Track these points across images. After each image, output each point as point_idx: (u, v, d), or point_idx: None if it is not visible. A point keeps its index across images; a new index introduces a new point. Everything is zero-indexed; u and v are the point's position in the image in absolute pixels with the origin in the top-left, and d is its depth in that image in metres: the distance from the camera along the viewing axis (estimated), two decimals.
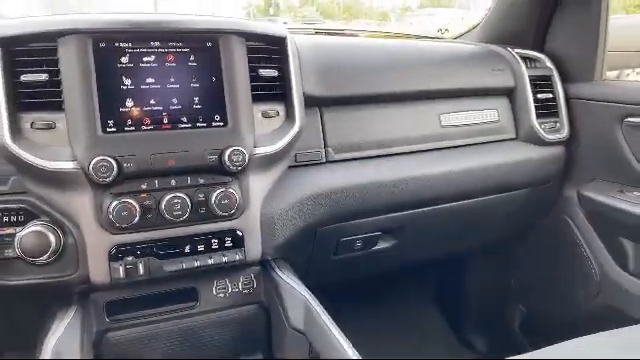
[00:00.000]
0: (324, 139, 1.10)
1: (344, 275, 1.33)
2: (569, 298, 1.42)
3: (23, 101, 0.83)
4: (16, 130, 0.82)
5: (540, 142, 1.31)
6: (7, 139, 0.81)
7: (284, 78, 0.99)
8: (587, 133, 1.33)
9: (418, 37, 1.56)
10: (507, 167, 1.28)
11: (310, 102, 1.05)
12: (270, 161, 0.98)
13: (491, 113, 1.30)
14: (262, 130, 0.97)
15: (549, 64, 1.36)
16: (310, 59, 1.08)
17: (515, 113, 1.33)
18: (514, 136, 1.33)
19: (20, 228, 0.83)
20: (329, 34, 1.55)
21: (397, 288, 1.67)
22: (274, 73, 0.99)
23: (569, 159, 1.36)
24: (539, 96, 1.32)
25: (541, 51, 1.40)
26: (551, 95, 1.34)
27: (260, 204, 0.97)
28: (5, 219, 0.84)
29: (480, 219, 1.37)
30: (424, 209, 1.22)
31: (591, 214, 1.33)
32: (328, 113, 1.11)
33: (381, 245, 1.25)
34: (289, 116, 1.00)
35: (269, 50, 0.98)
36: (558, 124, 1.34)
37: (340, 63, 1.14)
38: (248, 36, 0.95)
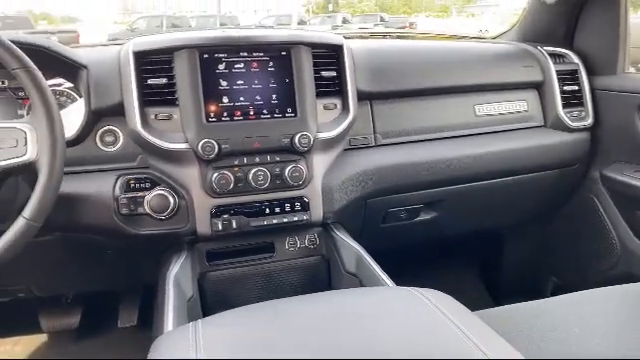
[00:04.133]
0: (373, 127, 1.34)
1: (392, 242, 1.56)
2: (593, 268, 1.59)
3: (149, 99, 1.13)
4: (144, 120, 1.12)
5: (566, 129, 1.49)
6: (139, 127, 1.11)
7: (341, 77, 1.24)
8: (609, 121, 1.50)
9: (459, 38, 1.77)
10: (535, 150, 1.47)
11: (362, 96, 1.30)
12: (329, 144, 1.23)
13: (521, 104, 1.49)
14: (323, 119, 1.23)
15: (576, 59, 1.53)
16: (363, 61, 1.31)
17: (543, 104, 1.51)
18: (542, 124, 1.52)
19: (148, 192, 1.13)
20: (381, 37, 1.79)
21: (441, 256, 1.89)
22: (333, 74, 1.24)
23: (594, 144, 1.53)
24: (566, 88, 1.50)
25: (570, 48, 1.57)
26: (577, 87, 1.51)
27: (321, 178, 1.23)
28: (137, 185, 1.14)
29: (513, 196, 1.57)
30: (460, 186, 1.43)
31: (613, 192, 1.50)
32: (377, 105, 1.35)
33: (423, 216, 1.48)
34: (345, 108, 1.25)
35: (329, 56, 1.24)
36: (583, 113, 1.51)
37: (388, 64, 1.38)
38: (313, 45, 1.21)
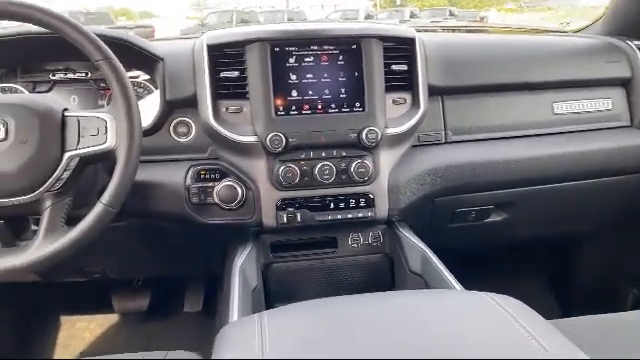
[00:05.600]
0: (444, 123, 1.30)
1: (459, 243, 1.51)
2: None
3: (221, 92, 1.15)
4: (216, 113, 1.14)
5: None
6: (211, 119, 1.13)
7: (412, 71, 1.21)
8: None
9: (538, 31, 1.67)
10: (619, 152, 1.37)
11: (433, 91, 1.26)
12: (398, 140, 1.21)
13: (604, 102, 1.39)
14: (392, 114, 1.20)
15: None
16: (435, 55, 1.27)
17: (631, 102, 1.40)
18: (629, 124, 1.41)
19: (217, 183, 1.15)
20: (453, 31, 1.73)
21: (508, 260, 1.81)
22: (404, 67, 1.21)
23: None
24: None
25: None
26: None
27: (388, 174, 1.20)
28: (207, 176, 1.16)
29: (592, 201, 1.47)
30: (535, 187, 1.36)
31: None
32: (448, 101, 1.31)
33: (493, 218, 1.42)
34: (415, 103, 1.22)
35: (401, 49, 1.21)
36: None
37: (461, 58, 1.33)
38: (385, 39, 1.18)
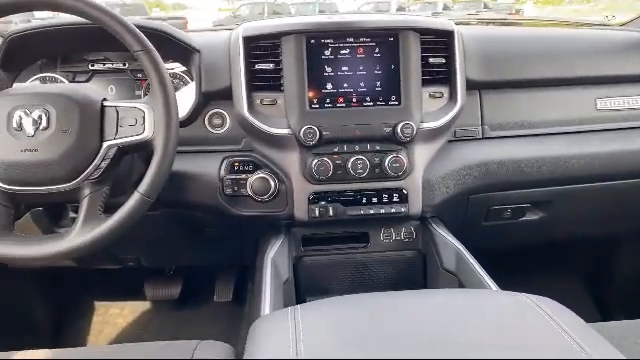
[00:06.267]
0: (481, 118, 1.27)
1: (493, 241, 1.48)
2: None
3: (256, 84, 1.15)
4: (251, 105, 1.14)
5: None
6: (245, 111, 1.13)
7: (450, 65, 1.18)
8: None
9: (581, 25, 1.62)
10: None
11: (471, 86, 1.23)
12: (433, 135, 1.18)
13: None
14: (428, 108, 1.18)
15: None
16: (473, 48, 1.24)
17: None
18: None
19: (251, 175, 1.15)
20: (490, 23, 1.68)
21: (543, 261, 1.77)
22: (442, 61, 1.19)
23: None
24: None
25: None
26: None
27: (423, 169, 1.18)
28: (241, 168, 1.17)
29: (634, 200, 1.41)
30: (574, 186, 1.32)
31: None
32: (487, 95, 1.27)
33: (529, 217, 1.38)
34: (452, 97, 1.19)
35: (439, 42, 1.18)
36: None
37: (500, 52, 1.29)
38: (423, 31, 1.16)
